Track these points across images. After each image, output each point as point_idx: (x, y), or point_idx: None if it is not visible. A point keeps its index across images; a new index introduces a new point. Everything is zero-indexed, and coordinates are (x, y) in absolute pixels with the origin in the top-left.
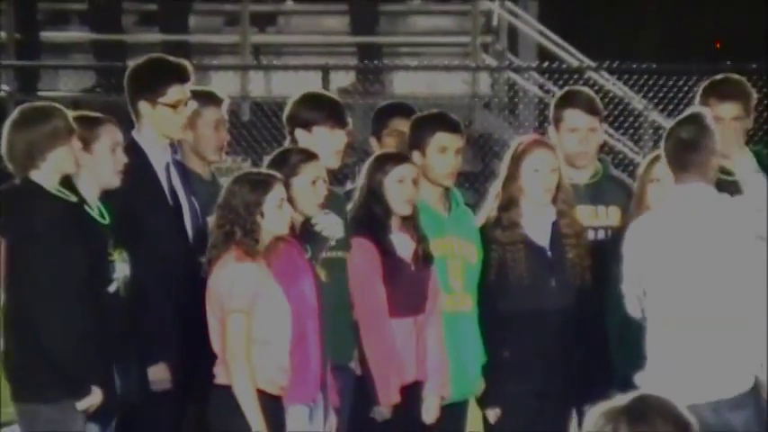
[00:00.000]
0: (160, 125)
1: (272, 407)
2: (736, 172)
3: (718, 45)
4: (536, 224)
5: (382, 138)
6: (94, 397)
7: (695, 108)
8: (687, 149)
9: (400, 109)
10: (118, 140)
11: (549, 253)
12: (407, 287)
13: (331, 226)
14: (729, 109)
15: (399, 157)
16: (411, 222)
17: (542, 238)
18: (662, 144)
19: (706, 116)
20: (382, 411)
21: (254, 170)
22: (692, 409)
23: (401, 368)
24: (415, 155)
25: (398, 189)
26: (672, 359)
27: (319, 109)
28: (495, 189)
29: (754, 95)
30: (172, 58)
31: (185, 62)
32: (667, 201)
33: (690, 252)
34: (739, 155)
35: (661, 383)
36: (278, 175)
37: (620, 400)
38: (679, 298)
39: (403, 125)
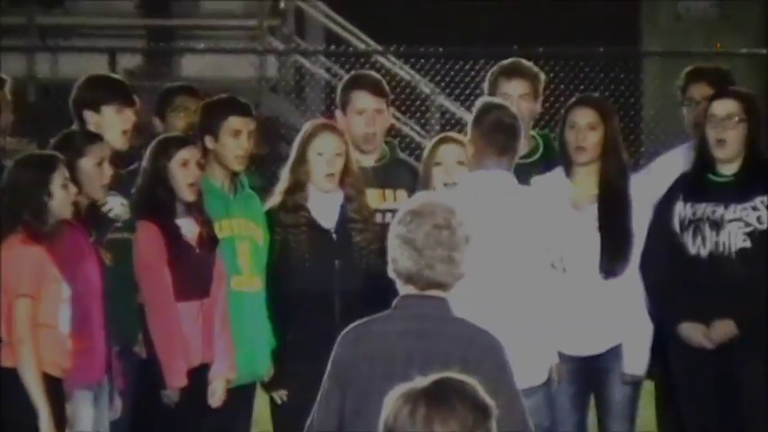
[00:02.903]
0: None
1: (56, 390)
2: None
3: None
4: (323, 207)
5: (167, 116)
6: None
7: (491, 98)
8: (508, 135)
9: (185, 88)
10: None
11: (335, 236)
12: (193, 270)
13: (118, 207)
14: (517, 86)
15: (182, 141)
16: (196, 205)
17: (328, 221)
18: (471, 126)
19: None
20: (170, 395)
21: (36, 151)
22: None
23: (187, 351)
24: (208, 139)
25: (182, 173)
26: None
27: (106, 89)
28: (284, 173)
29: (542, 78)
30: None
31: None
32: (469, 184)
33: (486, 241)
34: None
35: None
36: (60, 155)
37: (421, 381)
38: (472, 287)
39: (188, 102)
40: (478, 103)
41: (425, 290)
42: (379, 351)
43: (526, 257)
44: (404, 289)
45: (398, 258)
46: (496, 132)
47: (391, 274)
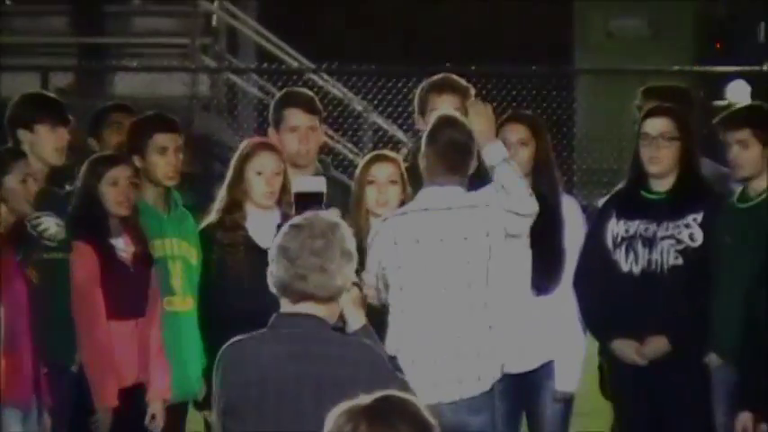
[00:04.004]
0: None
1: None
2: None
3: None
4: (260, 227)
5: (103, 134)
6: None
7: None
8: (461, 152)
9: (118, 105)
10: None
11: None
12: (127, 290)
13: (53, 227)
14: (447, 102)
15: (113, 160)
16: (130, 224)
17: (266, 240)
18: (425, 142)
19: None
20: (100, 420)
21: None
22: (431, 408)
23: (119, 371)
24: (136, 158)
25: (112, 192)
26: (412, 357)
27: (40, 108)
28: (221, 192)
29: (473, 92)
30: None
31: None
32: (422, 199)
33: (439, 252)
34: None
35: None
36: None
37: (363, 399)
38: (423, 298)
39: (122, 118)
40: (432, 118)
41: (298, 302)
42: (252, 375)
43: (480, 272)
44: (281, 303)
45: (274, 269)
46: (449, 150)
47: (271, 287)
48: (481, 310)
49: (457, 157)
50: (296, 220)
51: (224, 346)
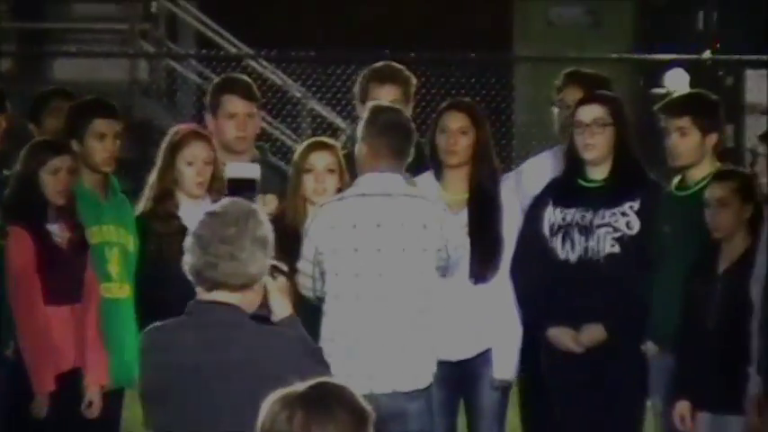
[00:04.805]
0: None
1: None
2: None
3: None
4: (193, 215)
5: (43, 120)
6: None
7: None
8: (403, 134)
9: (59, 91)
10: None
11: None
12: (64, 275)
13: None
14: (389, 92)
15: (56, 148)
16: (68, 210)
17: None
18: (364, 128)
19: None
20: (38, 407)
21: None
22: (368, 397)
23: (56, 356)
24: (74, 143)
25: (52, 180)
26: (346, 345)
27: None
28: (152, 179)
29: (414, 82)
30: None
31: None
32: (361, 185)
33: (375, 237)
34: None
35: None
36: None
37: (299, 386)
38: (358, 283)
39: (63, 105)
40: (370, 104)
41: (212, 290)
42: (170, 361)
43: (416, 260)
44: (197, 291)
45: (187, 257)
46: (391, 133)
47: (186, 275)
48: (416, 296)
49: (399, 140)
50: (212, 207)
51: (143, 332)
